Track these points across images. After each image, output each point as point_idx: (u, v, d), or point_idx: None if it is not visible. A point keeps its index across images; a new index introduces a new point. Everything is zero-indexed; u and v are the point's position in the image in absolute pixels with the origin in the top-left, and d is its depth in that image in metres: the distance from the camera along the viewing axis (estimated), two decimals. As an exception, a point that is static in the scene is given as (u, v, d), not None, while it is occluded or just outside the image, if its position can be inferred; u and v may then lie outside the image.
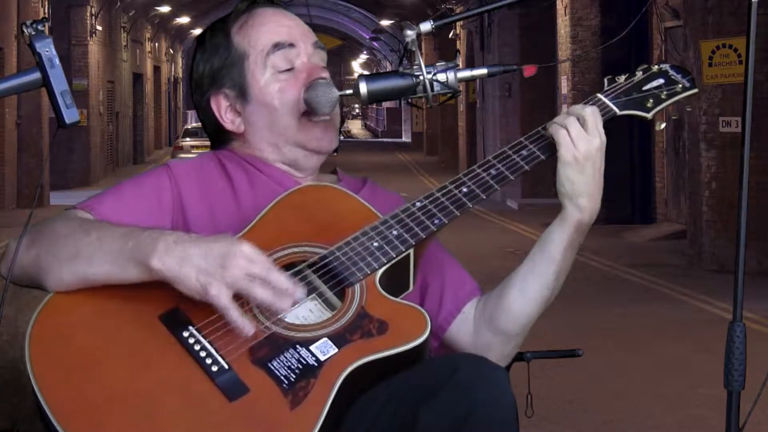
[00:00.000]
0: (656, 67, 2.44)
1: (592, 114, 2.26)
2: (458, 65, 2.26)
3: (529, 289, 2.28)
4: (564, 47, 19.18)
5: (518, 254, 15.18)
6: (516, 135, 23.72)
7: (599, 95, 2.38)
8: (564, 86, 19.10)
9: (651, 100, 2.39)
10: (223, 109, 2.38)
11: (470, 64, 13.95)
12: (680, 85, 2.41)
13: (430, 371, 2.03)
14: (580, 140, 2.24)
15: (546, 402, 6.78)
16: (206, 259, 2.02)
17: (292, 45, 2.36)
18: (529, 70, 2.39)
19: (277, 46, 2.35)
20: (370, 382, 2.05)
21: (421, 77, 2.23)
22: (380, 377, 2.05)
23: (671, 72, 2.43)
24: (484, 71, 2.30)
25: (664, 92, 2.40)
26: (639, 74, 2.41)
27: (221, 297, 2.01)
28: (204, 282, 2.01)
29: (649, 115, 2.39)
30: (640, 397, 7.32)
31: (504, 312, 2.29)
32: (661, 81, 2.41)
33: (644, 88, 2.39)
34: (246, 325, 2.01)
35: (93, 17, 29.10)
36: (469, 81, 2.29)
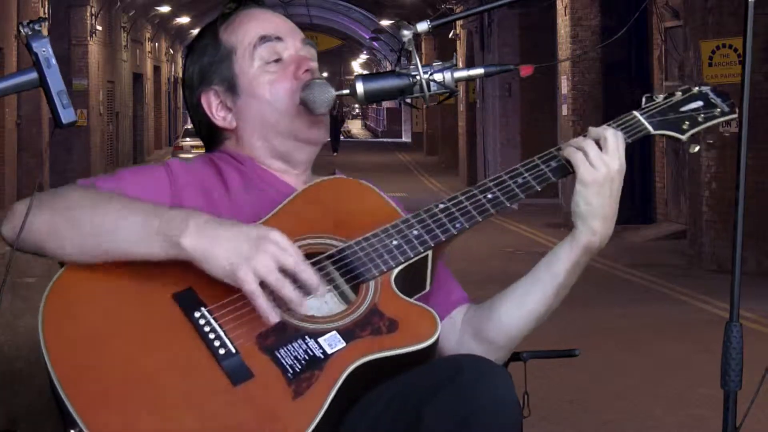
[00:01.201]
0: (697, 89, 2.42)
1: (613, 136, 2.24)
2: (455, 65, 2.26)
3: (528, 302, 2.28)
4: (564, 47, 19.17)
5: (518, 254, 15.20)
6: (516, 135, 23.72)
7: (635, 112, 2.36)
8: (564, 86, 19.09)
9: (687, 122, 2.36)
10: (213, 106, 2.39)
11: (470, 64, 13.96)
12: (719, 110, 2.39)
13: (433, 371, 2.03)
14: (599, 162, 2.22)
15: (546, 402, 6.79)
16: (237, 241, 2.03)
17: (279, 38, 2.37)
18: (525, 70, 2.39)
19: (264, 39, 2.36)
20: (376, 380, 2.05)
21: (418, 77, 2.23)
22: (386, 376, 2.05)
23: (711, 95, 2.41)
24: (480, 71, 2.30)
25: (702, 115, 2.38)
26: (678, 95, 2.39)
27: (249, 282, 2.01)
28: (234, 263, 2.02)
29: (684, 137, 2.37)
30: (640, 397, 7.32)
31: (494, 322, 2.29)
32: (700, 103, 2.39)
33: (681, 109, 2.37)
34: (272, 313, 2.02)
35: (93, 17, 29.10)
36: (466, 81, 2.29)
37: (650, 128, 2.34)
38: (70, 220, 2.11)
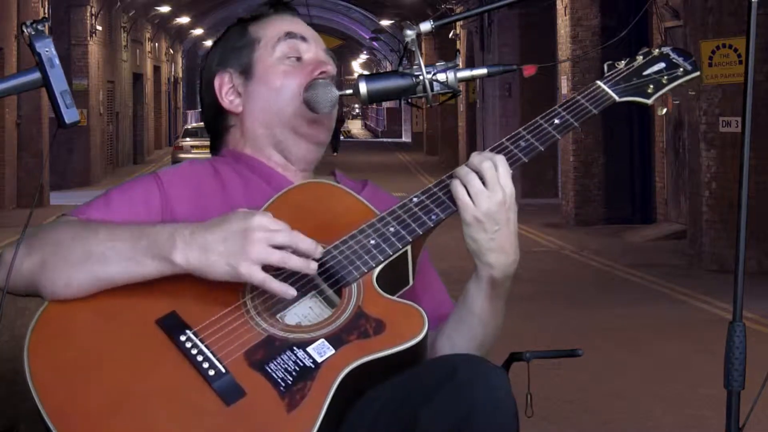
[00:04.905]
0: (657, 50, 2.39)
1: (490, 168, 2.15)
2: (458, 65, 2.25)
3: (456, 340, 2.25)
4: (564, 47, 19.17)
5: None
6: (516, 135, 23.66)
7: (599, 82, 2.33)
8: (564, 86, 19.09)
9: (651, 86, 2.34)
10: (225, 89, 2.40)
11: (470, 64, 13.95)
12: (681, 69, 2.36)
13: (429, 372, 2.02)
14: (480, 198, 2.14)
15: (546, 402, 6.78)
16: (227, 242, 2.03)
17: (304, 38, 2.39)
18: (528, 70, 2.39)
19: (289, 35, 2.39)
20: (369, 382, 2.04)
21: (421, 77, 2.22)
22: (379, 377, 2.04)
23: (672, 55, 2.38)
24: (484, 71, 2.29)
25: (665, 77, 2.35)
26: (639, 59, 2.37)
27: (254, 273, 2.02)
28: (233, 264, 2.02)
29: (649, 101, 2.33)
30: (640, 397, 7.32)
31: (448, 349, 2.25)
32: (662, 65, 2.36)
33: (645, 72, 2.35)
34: (289, 288, 2.04)
35: (93, 17, 29.09)
36: (469, 81, 2.28)
37: (615, 96, 2.30)
38: (59, 256, 2.10)
